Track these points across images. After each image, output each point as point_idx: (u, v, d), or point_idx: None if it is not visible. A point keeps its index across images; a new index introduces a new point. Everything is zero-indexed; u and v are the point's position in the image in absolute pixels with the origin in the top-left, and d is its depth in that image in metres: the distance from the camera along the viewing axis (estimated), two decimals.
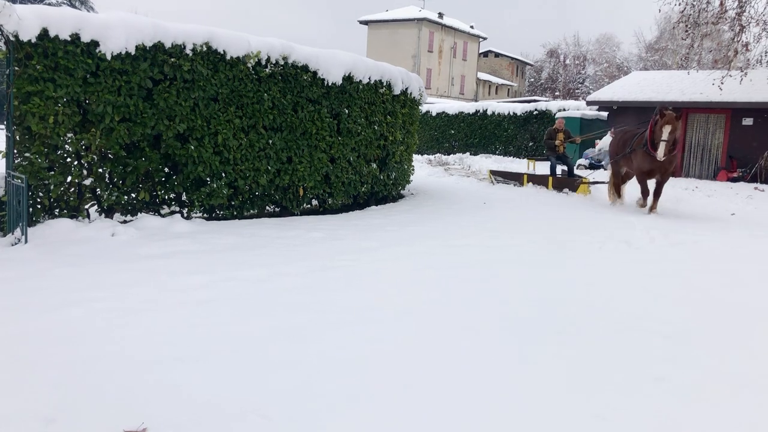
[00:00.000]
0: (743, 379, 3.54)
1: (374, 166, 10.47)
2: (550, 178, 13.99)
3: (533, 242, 7.56)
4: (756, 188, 17.27)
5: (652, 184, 10.88)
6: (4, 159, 6.52)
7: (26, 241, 6.06)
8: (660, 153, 9.70)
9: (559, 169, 14.80)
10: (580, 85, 71.93)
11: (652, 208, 10.42)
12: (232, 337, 3.90)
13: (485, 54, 73.01)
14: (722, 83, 18.03)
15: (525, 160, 25.29)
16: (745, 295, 5.44)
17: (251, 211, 8.68)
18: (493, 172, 15.58)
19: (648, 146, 10.15)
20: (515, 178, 14.80)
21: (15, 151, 6.47)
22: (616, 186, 11.83)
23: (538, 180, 14.25)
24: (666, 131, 9.73)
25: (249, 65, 8.09)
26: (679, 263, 6.69)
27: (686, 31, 18.95)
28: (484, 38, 67.57)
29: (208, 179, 7.95)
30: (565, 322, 4.45)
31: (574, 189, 13.12)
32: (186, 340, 3.81)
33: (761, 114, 19.89)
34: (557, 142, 14.37)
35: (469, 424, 2.92)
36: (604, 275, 5.98)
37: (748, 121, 20.32)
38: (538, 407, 3.10)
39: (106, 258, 5.71)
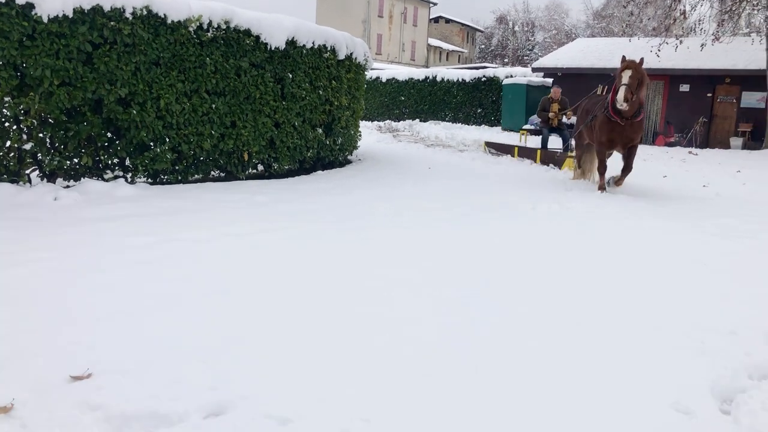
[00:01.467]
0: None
1: (320, 131, 10.59)
2: (539, 151, 13.03)
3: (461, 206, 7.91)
4: (690, 152, 18.05)
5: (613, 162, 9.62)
6: None
7: None
8: (620, 97, 8.02)
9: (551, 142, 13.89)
10: (529, 52, 72.69)
11: (617, 183, 9.11)
12: (174, 294, 4.08)
13: (436, 20, 72.90)
14: (659, 50, 18.61)
15: (473, 127, 25.78)
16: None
17: (196, 175, 8.74)
18: (489, 144, 15.02)
19: (609, 109, 8.60)
20: (507, 150, 14.08)
21: None
22: (579, 159, 10.53)
23: (527, 153, 13.42)
24: (626, 75, 8.17)
25: (190, 29, 8.08)
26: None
27: None
28: (435, 4, 67.43)
29: (151, 144, 7.97)
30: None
31: (559, 165, 12.03)
32: (131, 297, 3.97)
33: (696, 80, 20.65)
34: (551, 114, 13.34)
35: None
36: (507, 233, 6.35)
37: (684, 88, 21.08)
38: None
39: (49, 221, 5.77)
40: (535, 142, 15.24)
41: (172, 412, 2.68)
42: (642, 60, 8.36)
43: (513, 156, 13.54)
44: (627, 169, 9.08)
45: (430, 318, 3.85)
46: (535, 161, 12.83)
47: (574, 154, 11.09)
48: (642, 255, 5.60)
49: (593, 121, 9.15)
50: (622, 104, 8.05)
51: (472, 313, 3.97)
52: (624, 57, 8.56)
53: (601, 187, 9.05)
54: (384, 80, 30.01)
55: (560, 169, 11.77)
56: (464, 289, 4.44)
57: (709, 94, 20.84)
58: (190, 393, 2.82)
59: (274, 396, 2.83)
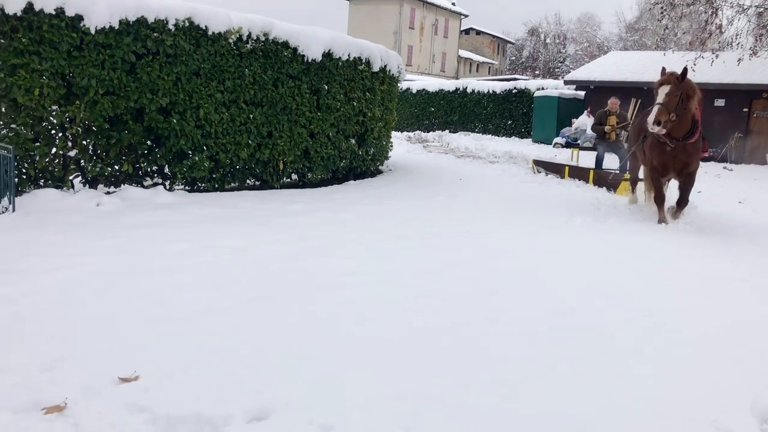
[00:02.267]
0: None
1: (353, 141, 10.71)
2: (591, 172, 11.47)
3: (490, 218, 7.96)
4: (724, 167, 17.80)
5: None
6: None
7: (14, 210, 6.25)
8: (650, 119, 6.96)
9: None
10: (560, 64, 72.25)
11: (674, 216, 7.89)
12: (215, 299, 4.18)
13: (467, 31, 72.94)
14: (695, 64, 18.42)
15: (503, 139, 25.72)
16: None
17: (232, 184, 8.90)
18: (537, 162, 12.94)
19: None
20: (557, 170, 12.27)
21: (1, 122, 6.63)
22: (633, 182, 9.51)
23: (578, 173, 11.78)
24: (662, 92, 7.10)
25: (230, 41, 8.26)
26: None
27: (662, 11, 19.29)
28: (466, 15, 67.49)
29: (190, 152, 8.15)
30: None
31: (614, 188, 10.53)
32: (174, 302, 4.07)
33: (732, 95, 20.37)
34: (607, 128, 11.61)
35: None
36: (543, 243, 6.35)
37: (720, 102, 20.80)
38: None
39: (92, 226, 5.94)
40: (587, 159, 13.79)
41: (216, 415, 2.76)
42: (685, 71, 7.17)
43: (563, 177, 11.82)
44: (682, 202, 7.80)
45: (461, 327, 3.90)
46: (588, 182, 11.26)
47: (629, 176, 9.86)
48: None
49: (644, 142, 7.96)
50: (652, 127, 6.92)
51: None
52: (664, 69, 7.41)
53: (661, 220, 7.76)
54: (414, 91, 30.14)
55: (615, 192, 10.30)
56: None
57: (746, 109, 20.54)
58: (234, 397, 2.90)
59: (316, 402, 2.90)
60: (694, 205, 8.34)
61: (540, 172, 12.49)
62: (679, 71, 7.23)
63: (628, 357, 3.59)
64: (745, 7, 18.59)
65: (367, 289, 4.59)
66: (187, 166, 8.09)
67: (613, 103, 11.87)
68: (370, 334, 3.73)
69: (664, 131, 7.03)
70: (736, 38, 19.41)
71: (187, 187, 8.38)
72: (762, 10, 18.95)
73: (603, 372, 3.37)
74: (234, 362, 3.26)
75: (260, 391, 2.97)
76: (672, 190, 8.58)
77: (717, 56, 18.88)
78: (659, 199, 7.89)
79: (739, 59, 18.56)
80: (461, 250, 5.98)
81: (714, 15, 18.84)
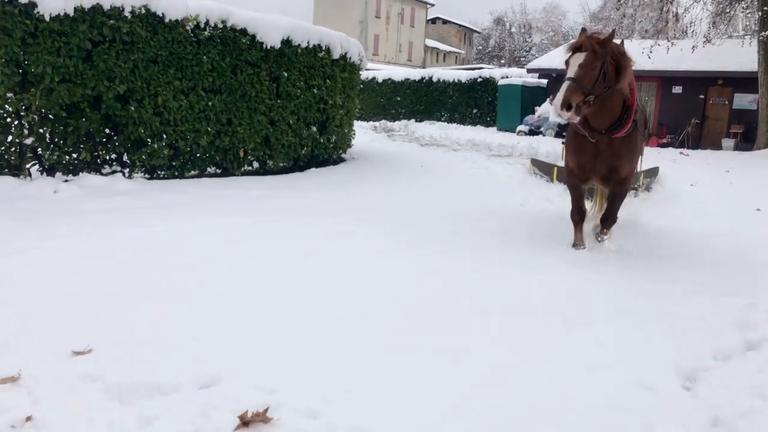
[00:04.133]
0: None
1: (314, 129, 10.79)
2: (555, 168, 10.16)
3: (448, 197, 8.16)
4: (681, 152, 18.28)
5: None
6: None
7: None
8: (556, 102, 4.75)
9: None
10: (526, 54, 72.92)
11: (598, 236, 5.93)
12: (173, 279, 4.29)
13: (433, 21, 73.16)
14: (651, 52, 18.84)
15: (468, 127, 25.96)
16: None
17: (192, 171, 8.94)
18: (535, 162, 11.19)
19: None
20: (549, 171, 10.43)
21: None
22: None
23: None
24: (574, 64, 4.86)
25: (188, 28, 8.28)
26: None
27: (620, 1, 19.69)
28: (432, 5, 67.68)
29: (148, 140, 8.17)
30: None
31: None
32: (131, 282, 4.17)
33: (689, 82, 20.90)
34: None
35: None
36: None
37: (677, 89, 21.33)
38: None
39: (50, 212, 5.96)
40: None
41: (166, 383, 2.88)
42: (612, 33, 5.01)
43: (552, 180, 10.07)
44: (607, 218, 5.75)
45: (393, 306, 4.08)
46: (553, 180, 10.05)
47: None
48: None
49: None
50: (560, 113, 4.77)
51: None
52: (584, 30, 5.11)
53: (577, 243, 5.71)
54: (380, 81, 30.25)
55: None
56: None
57: (702, 96, 21.09)
58: (183, 367, 3.03)
59: (262, 370, 3.04)
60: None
61: (536, 174, 10.71)
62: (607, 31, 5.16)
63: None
64: None
65: (322, 270, 4.74)
66: (146, 153, 8.11)
67: None
68: (314, 310, 3.89)
69: (577, 118, 4.84)
70: (692, 26, 19.90)
71: (146, 175, 8.40)
72: None
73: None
74: (185, 336, 3.38)
75: (209, 361, 3.10)
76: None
77: (673, 44, 19.34)
78: (575, 215, 5.75)
79: (694, 46, 19.04)
80: (409, 232, 6.17)
81: (670, 3, 19.30)
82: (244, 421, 2.60)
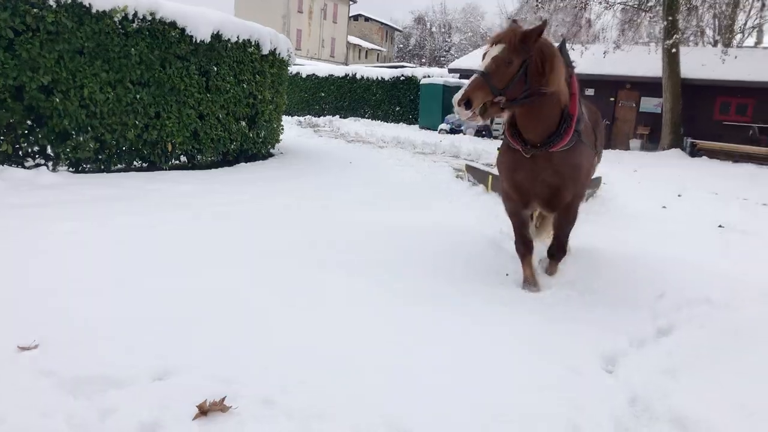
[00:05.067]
0: None
1: (243, 124, 10.75)
2: (490, 177, 9.01)
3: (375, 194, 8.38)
4: None
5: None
6: None
7: None
8: (456, 96, 3.89)
9: None
10: (446, 53, 74.24)
11: (548, 271, 5.13)
12: (112, 273, 4.27)
13: (355, 18, 73.34)
14: None
15: (392, 125, 26.27)
16: None
17: (119, 165, 8.74)
18: (470, 169, 10.21)
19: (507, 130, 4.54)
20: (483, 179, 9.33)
21: None
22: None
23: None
24: (489, 56, 4.03)
25: (115, 19, 8.09)
26: None
27: (537, 4, 20.48)
28: (354, 2, 67.83)
29: (73, 132, 7.95)
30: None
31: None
32: (71, 277, 4.13)
33: (601, 85, 22.01)
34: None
35: None
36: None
37: (590, 92, 22.39)
38: None
39: None
40: None
41: (122, 376, 2.92)
42: (542, 25, 4.04)
43: (487, 189, 9.04)
44: (555, 250, 5.03)
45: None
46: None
47: None
48: None
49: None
50: (458, 111, 3.91)
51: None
52: (515, 22, 4.28)
53: (527, 281, 4.80)
54: (304, 76, 30.17)
55: None
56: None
57: (612, 99, 22.24)
58: (138, 360, 3.07)
59: (217, 362, 3.12)
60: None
61: (471, 182, 9.76)
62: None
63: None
64: (611, 3, 20.09)
65: (256, 264, 4.83)
66: (71, 146, 7.89)
67: None
68: (264, 302, 3.99)
69: (479, 121, 4.03)
70: (603, 32, 20.94)
71: (71, 169, 8.17)
72: (625, 6, 20.55)
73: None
74: (136, 329, 3.41)
75: (164, 355, 3.16)
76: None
77: (587, 48, 20.30)
78: (520, 246, 4.89)
79: (605, 52, 20.03)
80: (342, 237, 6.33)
81: (584, 9, 20.25)
82: (203, 411, 2.68)
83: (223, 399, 2.75)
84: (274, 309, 3.88)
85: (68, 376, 2.89)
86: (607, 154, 18.32)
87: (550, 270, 5.11)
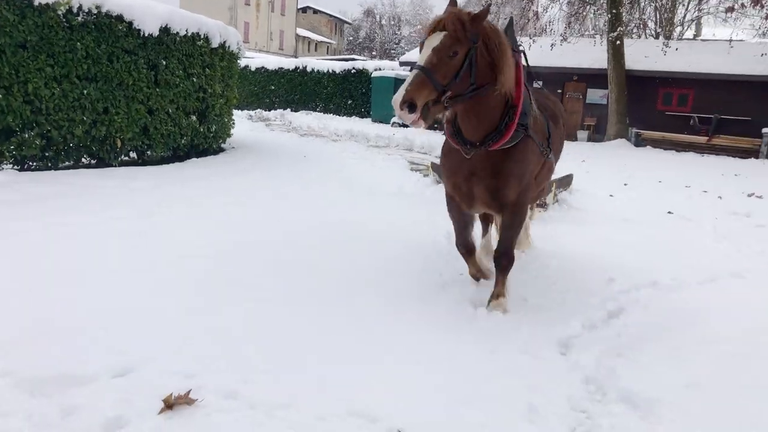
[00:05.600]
0: None
1: (194, 118, 10.61)
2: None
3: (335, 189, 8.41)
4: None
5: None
6: None
7: None
8: (396, 97, 3.29)
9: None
10: (396, 46, 74.42)
11: (496, 302, 4.17)
12: (69, 272, 4.22)
13: (304, 10, 72.83)
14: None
15: (344, 118, 26.26)
16: None
17: (66, 162, 8.53)
18: (435, 167, 9.29)
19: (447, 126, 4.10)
20: None
21: None
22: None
23: None
24: (429, 47, 3.45)
25: (59, 13, 7.88)
26: None
27: None
28: None
29: (18, 129, 7.72)
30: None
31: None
32: (24, 277, 4.06)
33: (548, 77, 22.43)
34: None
35: None
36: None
37: (538, 84, 22.77)
38: None
39: None
40: None
41: (81, 374, 2.91)
42: (486, 9, 3.59)
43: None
44: (500, 256, 4.26)
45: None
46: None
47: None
48: None
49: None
50: (400, 114, 3.35)
51: None
52: (452, 2, 3.80)
53: (475, 276, 4.71)
54: (253, 69, 29.81)
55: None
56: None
57: (560, 90, 22.71)
58: (95, 357, 3.06)
59: (179, 357, 3.13)
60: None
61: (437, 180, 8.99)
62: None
63: None
64: None
65: (214, 259, 4.83)
66: (16, 144, 7.66)
67: None
68: (220, 296, 4.01)
69: (422, 124, 3.41)
70: (550, 25, 21.34)
71: (16, 167, 7.94)
72: None
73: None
74: (92, 327, 3.39)
75: (122, 350, 3.15)
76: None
77: (534, 41, 20.67)
78: (461, 247, 4.55)
79: (552, 44, 20.44)
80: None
81: (531, 2, 20.60)
82: (168, 404, 2.70)
83: (188, 392, 2.77)
84: (227, 301, 3.90)
85: (27, 375, 2.87)
86: None
87: (498, 290, 4.22)
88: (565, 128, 5.21)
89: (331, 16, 75.87)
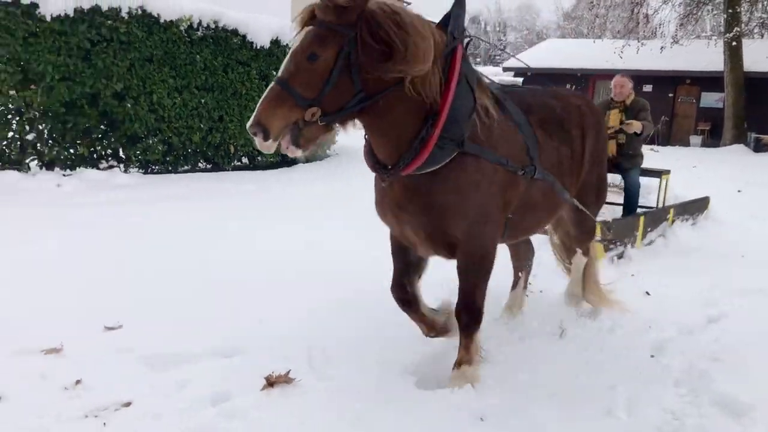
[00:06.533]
0: None
1: None
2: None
3: None
4: (651, 149, 18.90)
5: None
6: None
7: None
8: (249, 125, 2.48)
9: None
10: (500, 52, 73.66)
11: (458, 365, 3.03)
12: (185, 269, 4.65)
13: None
14: (622, 52, 19.44)
15: None
16: None
17: (185, 166, 9.23)
18: None
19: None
20: None
21: None
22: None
23: None
24: (293, 45, 2.58)
25: (182, 28, 8.58)
26: None
27: (592, 1, 20.28)
28: (409, 3, 67.94)
29: (143, 136, 8.46)
30: None
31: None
32: (154, 272, 4.52)
33: (659, 81, 21.60)
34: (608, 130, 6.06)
35: None
36: None
37: (647, 88, 21.99)
38: None
39: (59, 204, 6.28)
40: None
41: (191, 353, 3.24)
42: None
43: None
44: (460, 312, 3.07)
45: None
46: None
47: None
48: None
49: None
50: (259, 144, 2.54)
51: None
52: None
53: (425, 332, 3.35)
54: None
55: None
56: None
57: (671, 94, 21.79)
58: (204, 341, 3.38)
59: (277, 343, 3.41)
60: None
61: None
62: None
63: None
64: None
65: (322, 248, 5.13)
66: (141, 149, 8.40)
67: (618, 84, 6.65)
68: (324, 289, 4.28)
69: (297, 152, 2.63)
70: (660, 27, 20.54)
71: (141, 170, 8.69)
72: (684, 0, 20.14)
73: None
74: (203, 315, 3.73)
75: (228, 336, 3.45)
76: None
77: (643, 44, 19.96)
78: (395, 293, 3.27)
79: (662, 47, 19.66)
80: None
81: (641, 5, 19.93)
82: (269, 382, 2.95)
83: (288, 372, 3.01)
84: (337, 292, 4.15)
85: (145, 353, 3.22)
86: (666, 151, 18.09)
87: (459, 356, 3.08)
88: (601, 139, 3.78)
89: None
